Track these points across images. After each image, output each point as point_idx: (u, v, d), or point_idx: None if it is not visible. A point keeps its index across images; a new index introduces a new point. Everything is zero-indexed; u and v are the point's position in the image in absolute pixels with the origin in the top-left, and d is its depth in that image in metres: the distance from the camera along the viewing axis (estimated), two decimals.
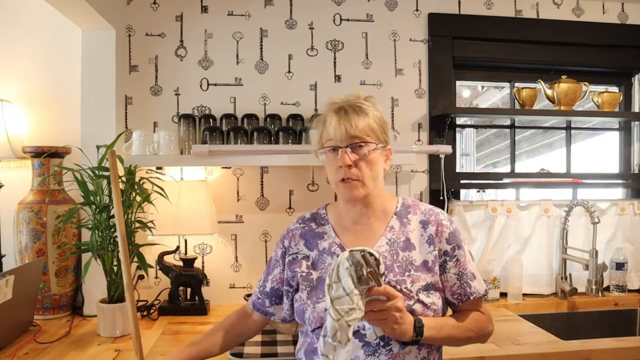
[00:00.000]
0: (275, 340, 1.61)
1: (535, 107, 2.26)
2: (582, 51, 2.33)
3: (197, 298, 1.94)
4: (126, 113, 2.06)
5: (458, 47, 2.24)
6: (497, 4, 2.27)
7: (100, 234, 1.64)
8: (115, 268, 1.67)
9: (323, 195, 2.14)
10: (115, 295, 1.68)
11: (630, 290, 2.24)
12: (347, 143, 1.09)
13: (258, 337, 1.61)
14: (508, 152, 2.45)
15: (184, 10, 2.10)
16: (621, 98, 2.34)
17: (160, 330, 1.72)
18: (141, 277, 2.00)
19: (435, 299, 1.10)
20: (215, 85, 2.11)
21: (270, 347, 1.53)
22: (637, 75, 2.44)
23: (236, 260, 2.11)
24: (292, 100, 2.15)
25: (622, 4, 2.37)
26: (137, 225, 1.72)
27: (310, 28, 2.16)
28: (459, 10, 2.25)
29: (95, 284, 1.83)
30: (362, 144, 1.10)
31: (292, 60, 2.15)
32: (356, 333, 1.05)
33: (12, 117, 1.93)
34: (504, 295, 2.16)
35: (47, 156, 1.84)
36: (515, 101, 2.29)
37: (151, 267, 1.79)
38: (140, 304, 1.94)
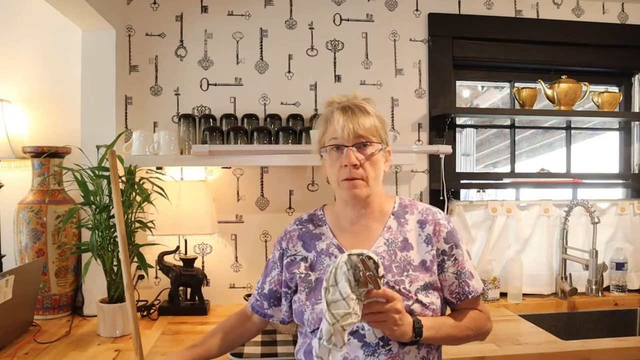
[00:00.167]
0: (275, 340, 1.61)
1: (535, 107, 2.26)
2: (582, 51, 2.33)
3: (197, 298, 1.94)
4: (126, 113, 2.06)
5: (458, 47, 2.24)
6: (497, 4, 2.27)
7: (100, 234, 1.64)
8: (115, 268, 1.67)
9: (323, 195, 2.14)
10: (115, 295, 1.68)
11: (630, 290, 2.24)
12: (353, 142, 1.09)
13: (258, 337, 1.61)
14: (508, 152, 2.45)
15: (184, 10, 2.10)
16: (621, 98, 2.34)
17: (160, 330, 1.72)
18: (141, 277, 2.00)
19: (434, 299, 1.10)
20: (215, 85, 2.11)
21: (270, 347, 1.53)
22: (637, 75, 2.44)
23: (236, 260, 2.11)
24: (292, 100, 2.15)
25: (622, 4, 2.37)
26: (137, 225, 1.72)
27: (310, 28, 2.16)
28: (459, 10, 2.25)
29: (95, 284, 1.83)
30: (368, 143, 1.10)
31: (292, 60, 2.15)
32: (355, 333, 1.05)
33: (12, 117, 1.93)
34: (504, 295, 2.16)
35: (47, 156, 1.84)
36: (515, 101, 2.29)
37: (151, 267, 1.79)
38: (140, 304, 1.94)
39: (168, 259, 1.96)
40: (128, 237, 1.64)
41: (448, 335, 1.09)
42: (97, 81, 1.92)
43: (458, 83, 2.35)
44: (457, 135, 2.38)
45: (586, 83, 2.21)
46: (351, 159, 1.08)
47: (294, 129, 2.02)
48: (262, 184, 2.13)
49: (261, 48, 2.14)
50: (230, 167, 2.11)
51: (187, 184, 1.98)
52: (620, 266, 2.22)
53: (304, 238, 1.20)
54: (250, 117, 2.06)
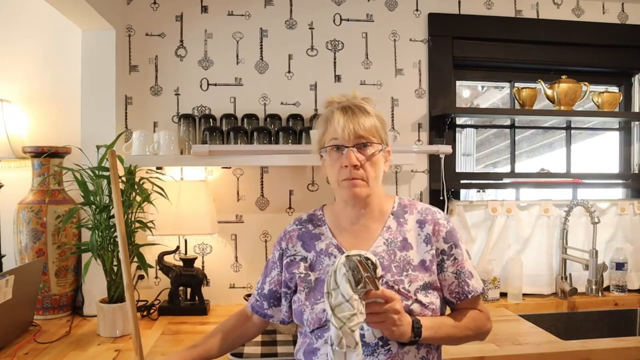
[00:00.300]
0: (275, 340, 1.61)
1: (535, 107, 2.26)
2: (582, 51, 2.33)
3: (197, 298, 1.94)
4: (126, 113, 2.06)
5: (458, 47, 2.24)
6: (497, 4, 2.27)
7: (100, 234, 1.64)
8: (115, 268, 1.67)
9: (323, 195, 2.14)
10: (115, 295, 1.68)
11: (630, 290, 2.24)
12: (354, 143, 1.09)
13: (258, 337, 1.61)
14: (508, 152, 2.45)
15: (184, 10, 2.10)
16: (621, 98, 2.34)
17: (160, 330, 1.72)
18: (141, 277, 2.00)
19: (433, 299, 1.10)
20: (215, 85, 2.11)
21: (270, 347, 1.53)
22: (637, 75, 2.44)
23: (236, 260, 2.11)
24: (292, 100, 2.15)
25: (622, 4, 2.37)
26: (137, 225, 1.72)
27: (310, 28, 2.16)
28: (459, 10, 2.25)
29: (95, 284, 1.83)
30: (368, 144, 1.10)
31: (292, 60, 2.15)
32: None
33: (12, 117, 1.93)
34: (504, 295, 2.16)
35: (47, 156, 1.84)
36: (515, 101, 2.29)
37: (151, 267, 1.79)
38: (140, 304, 1.94)
39: (168, 259, 1.96)
40: (128, 237, 1.64)
41: (447, 335, 1.09)
42: (97, 81, 1.92)
43: (458, 83, 2.35)
44: (457, 135, 2.38)
45: (586, 83, 2.21)
46: (352, 160, 1.08)
47: (294, 129, 2.02)
48: (262, 184, 2.13)
49: (261, 48, 2.14)
50: (230, 167, 2.11)
51: (187, 184, 1.98)
52: (620, 266, 2.22)
53: (304, 238, 1.20)
54: (250, 117, 2.06)
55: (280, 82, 2.14)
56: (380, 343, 1.04)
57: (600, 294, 2.11)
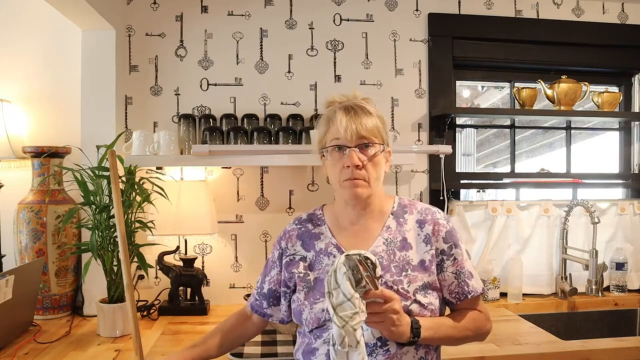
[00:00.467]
0: (275, 340, 1.61)
1: (535, 107, 2.26)
2: (582, 51, 2.33)
3: (197, 298, 1.94)
4: (126, 113, 2.06)
5: (458, 47, 2.24)
6: (497, 4, 2.27)
7: (100, 234, 1.64)
8: (115, 268, 1.67)
9: (323, 195, 2.14)
10: (115, 295, 1.68)
11: (630, 290, 2.24)
12: (356, 143, 1.09)
13: (258, 337, 1.61)
14: (508, 152, 2.46)
15: (184, 10, 2.10)
16: (621, 98, 2.33)
17: (160, 330, 1.72)
18: (141, 277, 2.00)
19: (432, 299, 1.10)
20: (215, 85, 2.11)
21: (270, 347, 1.53)
22: (637, 75, 2.44)
23: (236, 260, 2.11)
24: (292, 100, 2.15)
25: (622, 4, 2.37)
26: (137, 225, 1.72)
27: (310, 28, 2.16)
28: (459, 10, 2.25)
29: (95, 284, 1.83)
30: (370, 144, 1.10)
31: (292, 60, 2.15)
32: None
33: (12, 117, 1.93)
34: (504, 295, 2.16)
35: (47, 156, 1.84)
36: (515, 101, 2.29)
37: (151, 267, 1.79)
38: (140, 304, 1.94)
39: (168, 259, 1.96)
40: (128, 237, 1.64)
41: (446, 336, 1.09)
42: (97, 81, 1.92)
43: (458, 83, 2.35)
44: (457, 135, 2.38)
45: (586, 83, 2.21)
46: (354, 160, 1.08)
47: (294, 129, 2.02)
48: (262, 184, 2.13)
49: (261, 48, 2.14)
50: (230, 167, 2.11)
51: (187, 184, 1.98)
52: (620, 266, 2.22)
53: (303, 237, 1.21)
54: (250, 117, 2.06)
55: (280, 82, 2.14)
56: (379, 343, 1.04)
57: (600, 294, 2.11)
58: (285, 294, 1.20)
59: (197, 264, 2.03)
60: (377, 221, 1.17)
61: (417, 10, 2.22)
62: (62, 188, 1.91)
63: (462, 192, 2.35)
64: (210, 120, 2.03)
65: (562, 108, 2.21)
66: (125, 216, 1.66)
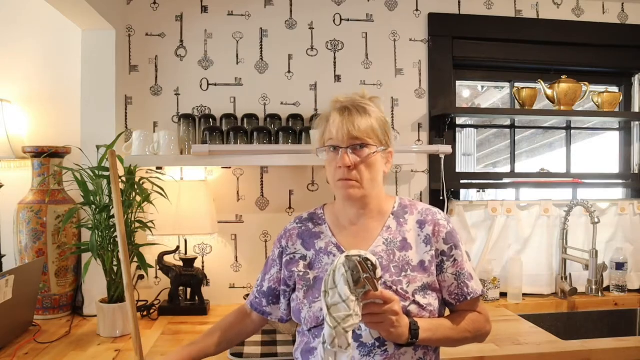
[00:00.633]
0: (275, 340, 1.61)
1: (535, 107, 2.26)
2: (582, 51, 2.33)
3: (197, 298, 1.94)
4: (126, 113, 2.06)
5: (458, 47, 2.24)
6: (497, 4, 2.27)
7: (100, 234, 1.64)
8: (115, 268, 1.67)
9: (323, 195, 2.14)
10: (115, 295, 1.68)
11: (630, 290, 2.24)
12: (348, 144, 1.09)
13: (258, 337, 1.61)
14: (508, 152, 2.46)
15: (184, 10, 2.10)
16: (621, 98, 2.33)
17: (160, 330, 1.72)
18: (141, 277, 2.00)
19: (431, 300, 1.10)
20: (215, 85, 2.11)
21: (270, 347, 1.53)
22: (637, 75, 2.44)
23: (236, 260, 2.11)
24: (292, 100, 2.15)
25: (622, 4, 2.37)
26: (137, 225, 1.72)
27: (310, 28, 2.16)
28: (459, 10, 2.25)
29: (95, 284, 1.83)
30: (364, 145, 1.09)
31: (292, 60, 2.15)
32: (352, 333, 1.05)
33: (12, 117, 1.93)
34: (504, 295, 2.16)
35: (47, 156, 1.84)
36: (515, 101, 2.29)
37: (151, 267, 1.79)
38: (140, 304, 1.94)
39: (168, 259, 1.96)
40: (128, 237, 1.64)
41: (445, 337, 1.09)
42: (97, 81, 1.92)
43: (458, 83, 2.35)
44: (457, 135, 2.38)
45: (586, 83, 2.21)
46: (344, 161, 1.08)
47: (294, 129, 2.02)
48: (262, 184, 2.13)
49: (261, 48, 2.14)
50: (230, 167, 2.11)
51: (187, 184, 1.98)
52: (620, 266, 2.22)
53: (304, 236, 1.21)
54: (250, 117, 2.06)
55: (280, 82, 2.14)
56: (377, 344, 1.04)
57: (600, 294, 2.11)
58: (285, 293, 1.20)
59: (197, 264, 2.03)
60: (377, 221, 1.17)
61: (417, 10, 2.22)
62: (62, 188, 1.91)
63: (462, 192, 2.35)
64: (210, 120, 2.03)
65: (562, 108, 2.21)
66: (125, 216, 1.66)
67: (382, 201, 1.19)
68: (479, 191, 2.36)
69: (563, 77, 2.20)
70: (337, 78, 2.17)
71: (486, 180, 2.39)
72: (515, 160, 2.41)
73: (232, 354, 1.46)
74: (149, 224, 1.76)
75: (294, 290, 1.18)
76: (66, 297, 1.87)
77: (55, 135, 1.97)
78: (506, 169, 2.51)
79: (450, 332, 1.10)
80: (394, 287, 1.07)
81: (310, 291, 1.13)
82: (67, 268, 1.87)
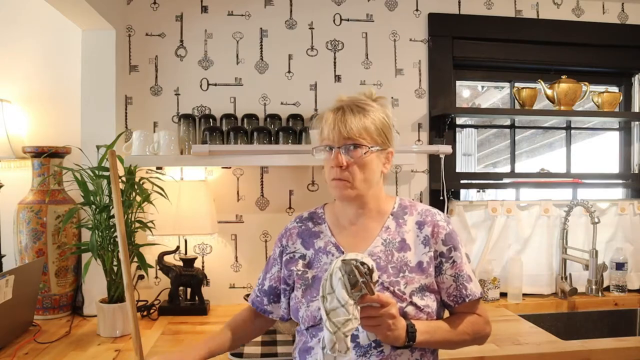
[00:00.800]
0: (275, 340, 1.61)
1: (535, 107, 2.26)
2: (582, 51, 2.33)
3: (197, 298, 1.94)
4: (126, 113, 2.06)
5: (458, 47, 2.24)
6: (497, 4, 2.27)
7: (100, 234, 1.64)
8: (115, 268, 1.67)
9: (323, 195, 2.14)
10: (115, 295, 1.68)
11: (630, 290, 2.24)
12: (340, 144, 1.09)
13: (258, 337, 1.61)
14: (508, 152, 2.46)
15: (184, 10, 2.10)
16: (621, 98, 2.33)
17: (160, 330, 1.72)
18: (141, 277, 2.00)
19: (429, 302, 1.09)
20: (215, 85, 2.11)
21: (270, 347, 1.53)
22: (637, 75, 2.44)
23: (236, 260, 2.11)
24: (292, 100, 2.15)
25: (622, 4, 2.37)
26: (137, 225, 1.72)
27: (310, 28, 2.16)
28: (459, 10, 2.25)
29: (95, 284, 1.83)
30: (358, 145, 1.09)
31: (292, 60, 2.15)
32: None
33: (12, 117, 1.93)
34: (504, 295, 2.16)
35: (47, 156, 1.84)
36: (515, 101, 2.29)
37: (151, 267, 1.79)
38: (140, 304, 1.94)
39: (168, 259, 1.96)
40: (128, 237, 1.64)
41: (443, 340, 1.08)
42: (97, 81, 1.92)
43: (458, 83, 2.35)
44: (457, 135, 2.38)
45: (586, 83, 2.21)
46: (336, 161, 1.08)
47: (294, 129, 2.02)
48: (262, 184, 2.13)
49: (261, 48, 2.14)
50: (230, 167, 2.11)
51: (187, 184, 1.98)
52: (620, 266, 2.22)
53: (303, 236, 1.21)
54: (250, 117, 2.06)
55: (280, 82, 2.14)
56: (373, 345, 1.04)
57: (600, 294, 2.11)
58: (285, 291, 1.20)
59: (197, 264, 2.03)
60: (377, 221, 1.17)
61: (417, 10, 2.22)
62: (62, 188, 1.91)
63: (462, 192, 2.35)
64: (210, 120, 2.03)
65: (562, 108, 2.21)
66: (125, 216, 1.66)
67: (382, 201, 1.19)
68: (479, 191, 2.36)
69: (563, 77, 2.20)
70: (337, 78, 2.17)
71: (486, 180, 2.39)
72: (515, 160, 2.41)
73: (232, 354, 1.46)
74: (149, 224, 1.76)
75: (293, 289, 1.18)
76: (66, 297, 1.87)
77: (55, 135, 1.97)
78: (506, 169, 2.51)
79: (449, 335, 1.09)
80: (391, 288, 1.07)
81: (308, 290, 1.13)
82: (67, 268, 1.87)
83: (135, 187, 1.70)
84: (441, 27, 2.22)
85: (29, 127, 2.00)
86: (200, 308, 1.92)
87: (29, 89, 1.99)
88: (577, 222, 2.24)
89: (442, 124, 2.20)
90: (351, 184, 1.10)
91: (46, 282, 1.81)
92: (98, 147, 1.79)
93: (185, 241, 2.07)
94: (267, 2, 2.14)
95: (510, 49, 2.28)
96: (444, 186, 2.17)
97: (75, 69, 1.95)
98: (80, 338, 1.62)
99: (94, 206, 1.65)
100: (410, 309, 1.06)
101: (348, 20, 2.18)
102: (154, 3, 2.08)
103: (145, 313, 1.89)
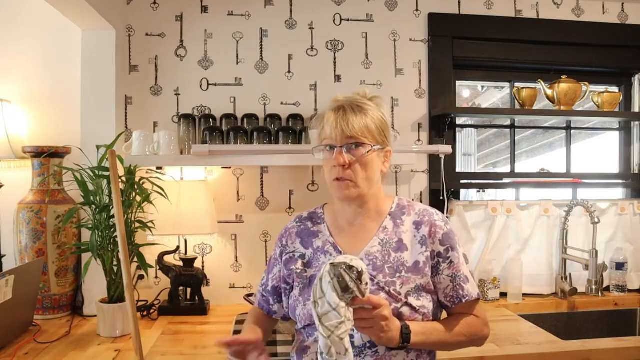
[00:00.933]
0: (276, 340, 1.61)
1: (535, 107, 2.26)
2: (582, 51, 2.33)
3: (197, 298, 1.94)
4: (126, 113, 2.06)
5: (458, 47, 2.24)
6: (497, 4, 2.27)
7: (100, 234, 1.64)
8: (115, 268, 1.67)
9: (323, 195, 2.14)
10: (115, 295, 1.68)
11: (630, 290, 2.24)
12: (342, 143, 1.09)
13: None
14: (508, 152, 2.46)
15: (184, 10, 2.10)
16: (621, 98, 2.33)
17: (160, 330, 1.72)
18: (141, 277, 2.00)
19: (425, 302, 1.09)
20: (215, 85, 2.11)
21: (270, 347, 1.53)
22: (637, 75, 2.44)
23: (236, 260, 2.11)
24: (292, 100, 2.15)
25: (622, 4, 2.37)
26: (137, 225, 1.72)
27: (310, 28, 2.16)
28: (459, 10, 2.25)
29: (95, 284, 1.83)
30: (359, 144, 1.09)
31: (292, 60, 2.15)
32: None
33: (12, 117, 1.93)
34: (504, 295, 2.16)
35: (47, 156, 1.84)
36: (515, 101, 2.29)
37: (151, 267, 1.79)
38: (140, 304, 1.94)
39: (168, 259, 1.96)
40: (128, 237, 1.64)
41: (439, 341, 1.08)
42: (97, 81, 1.92)
43: (458, 83, 2.35)
44: (457, 135, 2.38)
45: (586, 83, 2.21)
46: (339, 160, 1.08)
47: (294, 129, 2.02)
48: (262, 184, 2.13)
49: (261, 48, 2.14)
50: (230, 167, 2.11)
51: (187, 184, 1.98)
52: (620, 266, 2.22)
53: (302, 235, 1.21)
54: (250, 117, 2.06)
55: (280, 82, 2.14)
56: (368, 345, 1.04)
57: (600, 294, 2.11)
58: (285, 291, 1.21)
59: (197, 264, 2.03)
60: (374, 221, 1.17)
61: (417, 10, 2.22)
62: (62, 188, 1.91)
63: (462, 192, 2.35)
64: (210, 120, 2.03)
65: (562, 108, 2.21)
66: (125, 216, 1.66)
67: (381, 201, 1.19)
68: (479, 191, 2.36)
69: (563, 77, 2.20)
70: (337, 78, 2.17)
71: (486, 180, 2.39)
72: (515, 160, 2.41)
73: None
74: (149, 224, 1.76)
75: (293, 288, 1.18)
76: (66, 297, 1.87)
77: (55, 135, 1.97)
78: (506, 169, 2.51)
79: (444, 336, 1.08)
80: (387, 288, 1.06)
81: (306, 289, 1.13)
82: (67, 268, 1.87)
83: (135, 187, 1.70)
84: (441, 27, 2.22)
85: (29, 127, 2.00)
86: (200, 308, 1.92)
87: (29, 89, 1.99)
88: (577, 222, 2.24)
89: (442, 124, 2.20)
90: (354, 183, 1.10)
91: (46, 282, 1.81)
92: (98, 147, 1.79)
93: (185, 241, 2.07)
94: (267, 2, 2.14)
95: (510, 49, 2.28)
96: (444, 186, 2.17)
97: (75, 69, 1.95)
98: (80, 338, 1.62)
99: (94, 206, 1.66)
100: (405, 310, 1.06)
101: (348, 20, 2.18)
102: (154, 3, 2.08)
103: (145, 313, 1.89)
